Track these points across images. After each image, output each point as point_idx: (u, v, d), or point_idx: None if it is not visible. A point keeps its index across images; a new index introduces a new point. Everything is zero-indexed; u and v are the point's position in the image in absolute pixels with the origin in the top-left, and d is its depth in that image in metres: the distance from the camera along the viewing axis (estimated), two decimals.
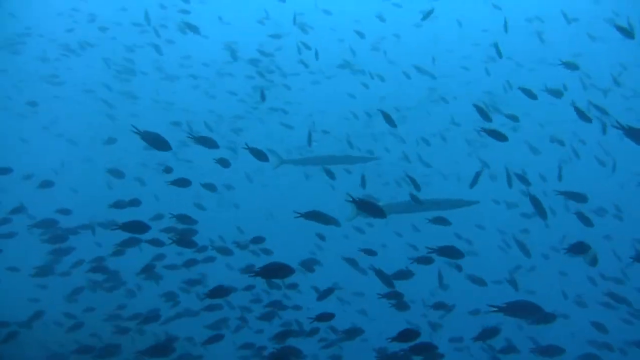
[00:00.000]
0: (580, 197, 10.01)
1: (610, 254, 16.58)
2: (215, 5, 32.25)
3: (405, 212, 13.79)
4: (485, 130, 9.61)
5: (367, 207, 7.67)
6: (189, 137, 8.94)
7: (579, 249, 8.65)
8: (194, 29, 19.42)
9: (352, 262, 13.04)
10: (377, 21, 25.66)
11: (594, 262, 9.64)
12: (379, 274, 9.45)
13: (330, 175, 13.93)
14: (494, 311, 7.07)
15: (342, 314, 11.34)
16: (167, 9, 26.17)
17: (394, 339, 7.81)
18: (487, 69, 22.92)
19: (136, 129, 7.30)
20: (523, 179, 11.95)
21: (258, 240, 11.91)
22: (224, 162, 10.59)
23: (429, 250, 8.51)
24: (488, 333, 9.21)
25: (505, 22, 16.99)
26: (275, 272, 7.13)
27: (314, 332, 10.89)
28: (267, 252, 13.33)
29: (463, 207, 13.58)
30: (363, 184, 12.18)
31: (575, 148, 16.85)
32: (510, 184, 12.97)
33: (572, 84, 16.45)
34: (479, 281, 13.17)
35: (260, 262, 13.09)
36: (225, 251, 12.39)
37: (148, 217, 12.11)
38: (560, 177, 12.59)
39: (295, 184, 24.79)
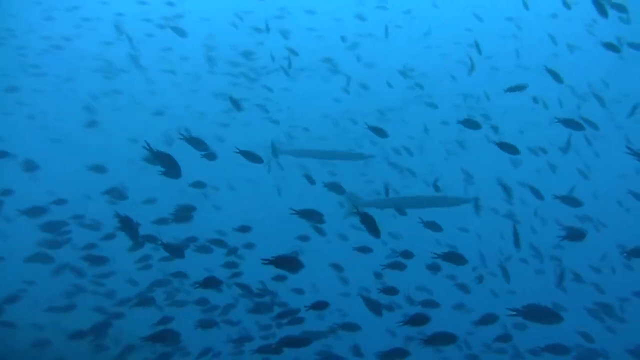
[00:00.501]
0: (574, 202, 10.29)
1: (590, 259, 16.91)
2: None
3: (400, 208, 13.86)
4: (497, 143, 9.77)
5: (367, 222, 7.72)
6: (181, 137, 8.81)
7: (576, 236, 8.92)
8: (181, 32, 19.29)
9: (337, 267, 13.20)
10: (358, 21, 25.82)
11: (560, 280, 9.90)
12: (367, 301, 9.55)
13: (310, 180, 13.95)
14: (513, 315, 7.23)
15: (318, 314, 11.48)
16: (148, 4, 26.04)
17: (405, 323, 7.96)
18: (465, 95, 23.15)
19: (148, 146, 7.27)
20: (506, 187, 12.17)
21: (244, 229, 11.98)
22: (210, 156, 10.56)
23: (434, 256, 8.71)
24: (487, 319, 9.49)
25: (477, 43, 17.15)
26: (286, 263, 7.23)
27: (297, 319, 10.94)
28: (250, 246, 13.44)
29: (460, 205, 13.75)
30: (336, 189, 12.02)
31: (555, 155, 17.06)
32: (477, 212, 13.19)
33: (550, 88, 16.60)
34: (463, 288, 13.37)
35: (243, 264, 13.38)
36: (205, 249, 12.42)
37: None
38: (536, 193, 12.75)
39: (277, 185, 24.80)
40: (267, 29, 21.10)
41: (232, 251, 12.43)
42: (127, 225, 8.22)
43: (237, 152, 9.72)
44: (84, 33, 27.73)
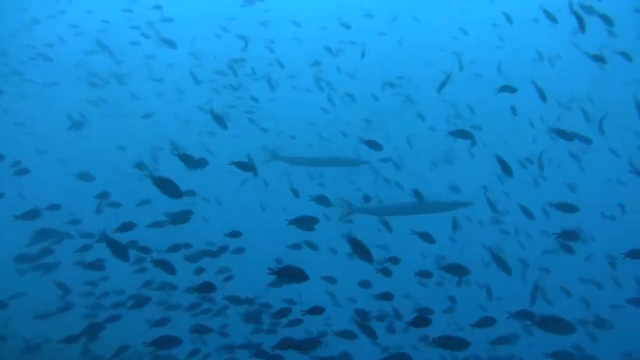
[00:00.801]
0: (571, 208, 10.28)
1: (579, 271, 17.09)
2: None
3: (397, 215, 13.97)
4: (499, 158, 9.92)
5: (359, 248, 7.80)
6: (176, 154, 8.85)
7: (570, 236, 9.13)
8: (170, 43, 19.22)
9: (331, 279, 13.29)
10: (343, 28, 25.90)
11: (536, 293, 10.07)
12: (362, 325, 9.63)
13: (295, 193, 14.05)
14: (529, 325, 7.45)
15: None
16: (133, 12, 26.02)
17: (410, 324, 8.32)
18: (448, 119, 23.29)
19: (149, 172, 7.34)
20: (490, 202, 12.34)
21: (234, 234, 12.05)
22: (202, 162, 10.53)
23: (438, 268, 8.97)
24: (485, 321, 9.67)
25: (460, 62, 17.32)
26: (291, 274, 7.31)
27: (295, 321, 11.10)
28: (240, 250, 13.53)
29: (458, 209, 13.89)
30: (323, 202, 12.03)
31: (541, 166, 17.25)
32: (455, 228, 13.36)
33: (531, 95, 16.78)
34: (451, 299, 13.56)
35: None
36: (194, 258, 12.47)
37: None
38: (525, 210, 12.88)
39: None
40: (246, 43, 21.17)
41: (221, 250, 12.50)
42: (114, 246, 8.29)
43: (231, 164, 9.77)
44: (70, 40, 27.62)
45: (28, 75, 27.24)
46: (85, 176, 13.70)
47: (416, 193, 12.99)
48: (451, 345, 7.83)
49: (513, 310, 9.05)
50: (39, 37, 27.80)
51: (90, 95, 26.68)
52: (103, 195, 12.87)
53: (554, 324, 7.54)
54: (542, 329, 7.56)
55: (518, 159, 17.92)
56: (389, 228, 13.18)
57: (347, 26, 25.55)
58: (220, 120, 12.70)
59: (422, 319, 8.38)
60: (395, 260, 10.88)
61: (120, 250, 8.30)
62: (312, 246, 12.94)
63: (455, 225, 13.57)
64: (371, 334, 9.54)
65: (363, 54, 20.18)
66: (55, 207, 12.31)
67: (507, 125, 24.95)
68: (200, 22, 31.08)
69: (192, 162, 8.99)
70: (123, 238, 10.52)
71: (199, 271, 12.64)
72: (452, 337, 7.84)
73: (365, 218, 14.69)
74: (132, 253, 11.05)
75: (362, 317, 10.65)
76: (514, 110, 14.63)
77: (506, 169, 9.89)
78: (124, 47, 26.14)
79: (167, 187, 7.69)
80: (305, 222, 8.79)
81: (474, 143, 13.69)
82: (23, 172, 13.69)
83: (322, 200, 11.46)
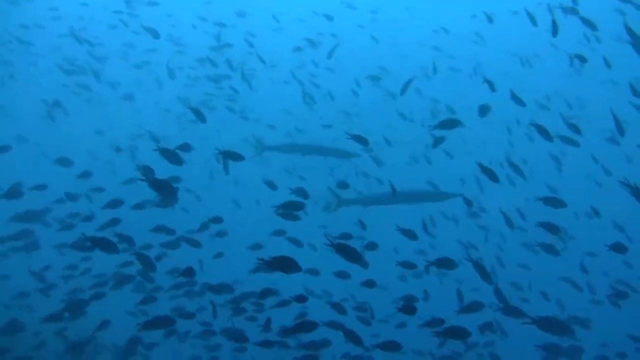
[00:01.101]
0: (558, 203, 10.27)
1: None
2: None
3: (385, 204, 14.08)
4: (481, 165, 9.99)
5: (345, 251, 7.62)
6: (156, 149, 8.74)
7: (551, 228, 9.49)
8: (153, 32, 19.02)
9: (314, 272, 13.40)
10: (322, 20, 25.90)
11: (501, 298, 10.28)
12: (346, 332, 9.63)
13: (272, 186, 14.08)
14: (528, 323, 7.63)
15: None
16: None
17: (399, 310, 8.76)
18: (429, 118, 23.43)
19: (141, 175, 7.39)
20: (468, 201, 12.49)
21: (216, 220, 12.15)
22: (184, 148, 10.55)
23: (427, 264, 9.10)
24: (471, 306, 9.85)
25: (434, 65, 17.44)
26: (282, 264, 7.09)
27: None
28: (221, 234, 13.62)
29: (445, 200, 14.03)
30: (302, 194, 12.05)
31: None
32: (426, 230, 13.49)
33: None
34: (426, 292, 13.74)
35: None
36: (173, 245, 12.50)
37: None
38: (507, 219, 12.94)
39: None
40: (219, 32, 21.06)
41: (203, 227, 12.59)
42: (100, 243, 8.30)
43: (219, 153, 9.77)
44: (48, 24, 27.36)
45: (4, 58, 26.98)
46: (63, 161, 13.68)
47: (392, 188, 13.09)
48: (452, 335, 8.01)
49: (487, 301, 9.26)
50: (17, 20, 27.51)
51: (68, 80, 26.35)
52: (85, 175, 12.87)
53: (553, 325, 7.72)
54: (541, 329, 7.72)
55: (496, 158, 18.07)
56: (363, 225, 13.34)
57: (329, 18, 25.49)
58: (198, 113, 12.60)
59: (409, 306, 8.72)
60: (372, 246, 11.07)
61: (107, 245, 8.29)
62: (296, 242, 13.03)
63: (425, 226, 13.69)
64: (356, 340, 9.49)
65: (331, 53, 20.17)
66: (39, 188, 12.34)
67: (485, 121, 25.12)
68: (181, 7, 30.93)
69: (173, 157, 8.93)
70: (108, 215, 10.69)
71: (158, 258, 12.66)
72: (454, 327, 8.03)
73: (342, 212, 14.76)
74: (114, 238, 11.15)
75: (338, 309, 10.73)
76: (482, 111, 14.15)
77: (491, 176, 9.94)
78: (103, 32, 25.92)
79: (163, 188, 7.71)
80: (292, 207, 8.93)
81: (440, 141, 13.50)
82: (2, 150, 13.60)
83: (301, 192, 11.52)
